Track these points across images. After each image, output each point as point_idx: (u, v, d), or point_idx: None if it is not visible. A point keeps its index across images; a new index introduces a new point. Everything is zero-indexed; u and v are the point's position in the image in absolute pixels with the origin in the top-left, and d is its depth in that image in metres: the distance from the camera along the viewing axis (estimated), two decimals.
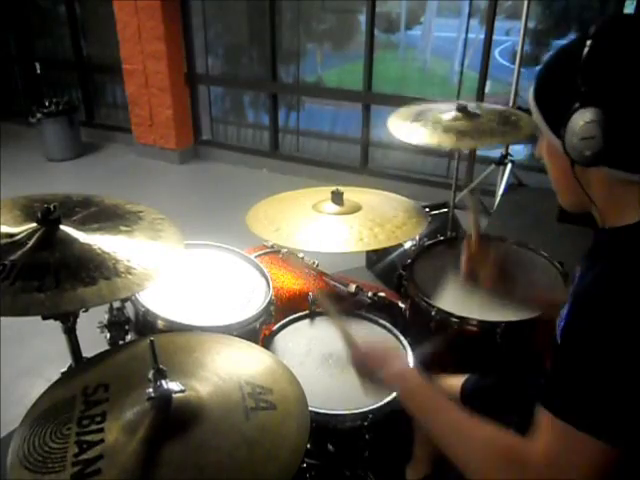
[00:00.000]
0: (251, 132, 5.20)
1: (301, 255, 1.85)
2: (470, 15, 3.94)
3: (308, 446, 1.17)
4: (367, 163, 4.44)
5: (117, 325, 1.34)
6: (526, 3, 3.18)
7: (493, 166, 3.66)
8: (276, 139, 4.79)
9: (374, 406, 1.18)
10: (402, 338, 1.40)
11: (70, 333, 1.19)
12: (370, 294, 1.66)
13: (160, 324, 1.28)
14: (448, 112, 1.91)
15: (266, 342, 1.39)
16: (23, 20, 5.61)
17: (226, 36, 5.05)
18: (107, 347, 1.26)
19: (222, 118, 5.29)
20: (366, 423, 1.17)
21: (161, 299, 1.34)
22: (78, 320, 1.19)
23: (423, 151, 4.29)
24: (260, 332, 1.38)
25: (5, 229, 1.14)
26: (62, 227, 1.12)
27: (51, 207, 1.11)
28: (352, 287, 1.65)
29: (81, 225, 1.17)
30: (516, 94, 3.41)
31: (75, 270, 1.03)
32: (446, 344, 1.37)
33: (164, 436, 0.79)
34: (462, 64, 4.05)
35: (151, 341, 0.81)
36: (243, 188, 4.37)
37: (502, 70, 4.54)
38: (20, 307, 0.95)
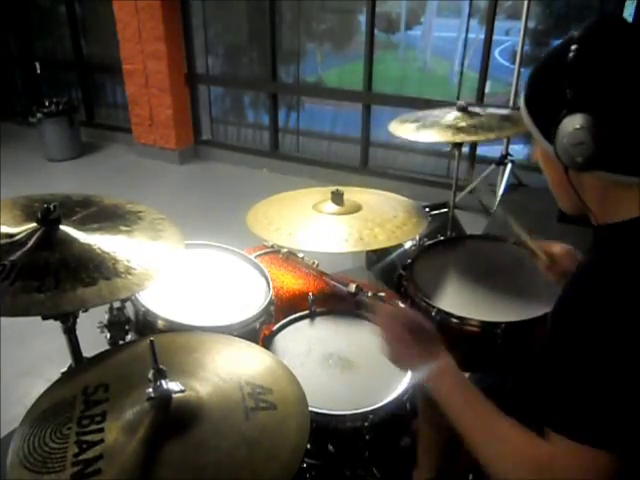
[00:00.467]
0: (251, 132, 5.20)
1: (301, 255, 1.85)
2: (470, 15, 3.94)
3: (308, 446, 1.17)
4: (367, 163, 4.44)
5: (117, 325, 1.34)
6: (526, 3, 3.18)
7: (493, 166, 3.66)
8: (276, 139, 4.79)
9: (374, 406, 1.18)
10: None
11: (70, 333, 1.19)
12: (370, 294, 1.66)
13: (160, 324, 1.27)
14: (448, 114, 1.91)
15: (266, 342, 1.39)
16: (23, 20, 5.61)
17: (226, 36, 5.05)
18: (107, 347, 1.26)
19: (222, 118, 5.29)
20: (366, 423, 1.17)
21: (161, 299, 1.34)
22: (78, 320, 1.19)
23: (423, 151, 4.29)
24: (260, 332, 1.38)
25: (5, 229, 1.13)
26: (62, 227, 1.12)
27: (51, 207, 1.11)
28: (352, 287, 1.65)
29: (81, 225, 1.17)
30: (516, 94, 3.42)
31: (75, 270, 1.03)
32: (446, 344, 1.37)
33: (164, 436, 0.79)
34: (462, 64, 4.06)
35: (151, 341, 0.81)
36: (243, 188, 4.37)
37: (502, 70, 4.54)
38: (20, 307, 0.95)
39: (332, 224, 1.45)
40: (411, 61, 5.05)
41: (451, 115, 1.89)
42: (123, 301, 1.34)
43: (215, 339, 1.07)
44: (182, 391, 0.82)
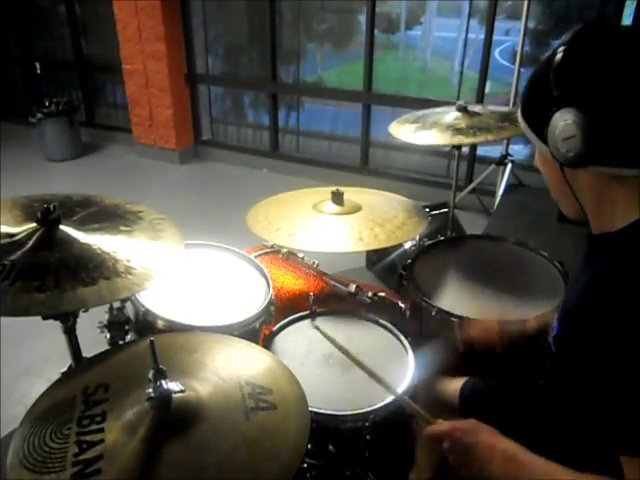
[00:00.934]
0: (251, 132, 5.20)
1: (301, 255, 1.85)
2: (470, 15, 3.94)
3: (308, 446, 1.17)
4: (367, 163, 4.44)
5: (117, 325, 1.34)
6: (526, 3, 3.18)
7: (493, 166, 3.66)
8: (276, 139, 4.79)
9: (375, 406, 1.18)
10: (402, 338, 1.40)
11: (70, 333, 1.19)
12: (370, 294, 1.66)
13: (160, 324, 1.27)
14: (448, 114, 1.91)
15: (266, 342, 1.39)
16: (23, 20, 5.61)
17: (226, 36, 5.05)
18: (107, 347, 1.26)
19: (222, 118, 5.29)
20: (367, 423, 1.17)
21: (161, 299, 1.34)
22: (78, 320, 1.19)
23: (423, 151, 4.29)
24: (260, 332, 1.38)
25: (5, 229, 1.13)
26: (62, 227, 1.12)
27: (51, 207, 1.11)
28: (352, 287, 1.65)
29: (81, 225, 1.17)
30: (516, 94, 3.42)
31: (75, 270, 1.03)
32: (446, 344, 1.37)
33: (164, 436, 0.79)
34: (462, 64, 4.06)
35: (151, 341, 0.81)
36: (243, 188, 4.37)
37: (502, 70, 4.54)
38: (20, 307, 0.95)
39: (332, 224, 1.45)
40: (411, 61, 5.05)
41: (451, 115, 1.89)
42: (123, 301, 1.34)
43: (215, 339, 1.07)
44: (182, 391, 0.82)
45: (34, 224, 1.11)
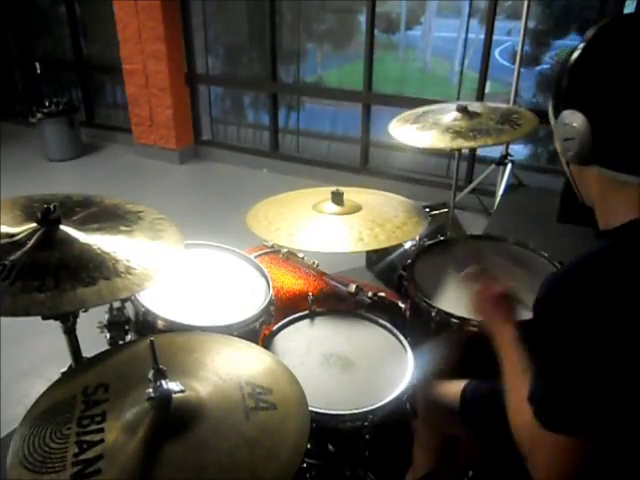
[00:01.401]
0: (251, 132, 5.20)
1: (301, 255, 1.85)
2: (470, 15, 3.94)
3: (308, 446, 1.17)
4: (367, 163, 4.44)
5: (117, 325, 1.34)
6: (526, 3, 3.18)
7: (493, 166, 3.66)
8: (276, 139, 4.79)
9: (374, 406, 1.18)
10: (402, 338, 1.40)
11: (70, 333, 1.19)
12: (370, 294, 1.66)
13: (160, 324, 1.27)
14: (448, 113, 1.91)
15: (266, 342, 1.39)
16: (23, 20, 5.61)
17: (226, 36, 5.05)
18: (107, 347, 1.26)
19: (222, 118, 5.29)
20: (366, 423, 1.17)
21: (161, 299, 1.34)
22: (78, 320, 1.19)
23: (423, 151, 4.29)
24: (260, 332, 1.38)
25: (5, 229, 1.13)
26: (62, 227, 1.12)
27: (51, 207, 1.11)
28: (352, 287, 1.65)
29: (81, 225, 1.17)
30: (516, 94, 3.42)
31: (75, 270, 1.03)
32: (446, 345, 1.37)
33: (164, 436, 0.79)
34: (462, 64, 4.06)
35: (151, 341, 0.81)
36: (243, 188, 4.37)
37: (502, 70, 4.54)
38: (20, 307, 0.95)
39: (332, 224, 1.45)
40: (411, 61, 5.05)
41: (451, 115, 1.89)
42: (123, 301, 1.34)
43: (215, 339, 1.07)
44: (182, 391, 0.82)
45: (34, 224, 1.11)
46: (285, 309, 1.52)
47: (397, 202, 1.64)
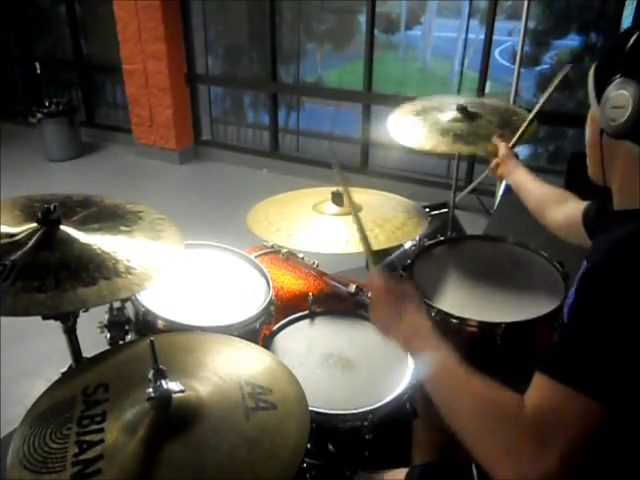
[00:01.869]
0: (251, 132, 5.21)
1: (301, 255, 1.85)
2: (470, 15, 3.94)
3: (308, 446, 1.17)
4: (367, 163, 4.44)
5: (117, 325, 1.34)
6: (526, 3, 3.18)
7: None
8: (276, 139, 4.79)
9: (374, 406, 1.18)
10: None
11: (70, 333, 1.19)
12: (370, 294, 1.66)
13: (160, 324, 1.28)
14: (448, 112, 1.91)
15: (266, 342, 1.39)
16: (23, 20, 5.61)
17: (226, 36, 5.05)
18: (107, 347, 1.26)
19: (222, 118, 5.29)
20: (366, 423, 1.17)
21: (161, 299, 1.34)
22: (78, 320, 1.19)
23: (423, 151, 4.29)
24: (260, 332, 1.38)
25: (5, 229, 1.14)
26: (62, 227, 1.12)
27: (51, 207, 1.11)
28: (352, 287, 1.65)
29: (81, 225, 1.17)
30: (516, 94, 3.41)
31: (75, 270, 1.04)
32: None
33: (164, 436, 0.79)
34: (462, 64, 4.06)
35: (151, 341, 0.81)
36: (243, 188, 4.37)
37: (502, 70, 4.54)
38: (20, 307, 0.95)
39: (332, 225, 1.45)
40: (411, 61, 5.06)
41: (450, 115, 1.89)
42: (123, 301, 1.34)
43: (215, 339, 1.07)
44: (182, 391, 0.82)
45: (34, 224, 1.11)
46: (285, 309, 1.52)
47: (397, 202, 1.64)
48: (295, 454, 0.81)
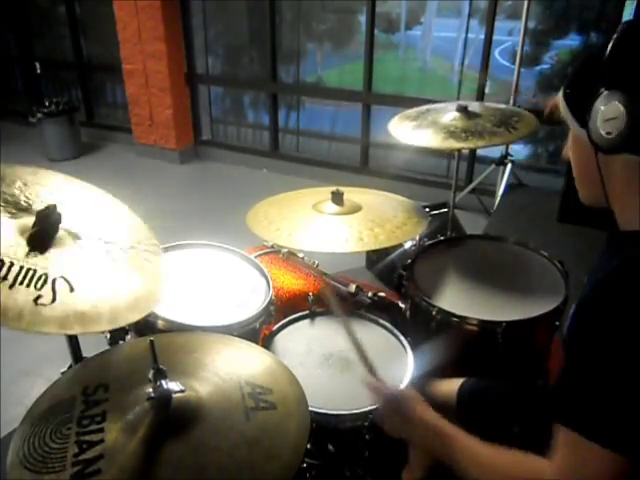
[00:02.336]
0: (251, 132, 5.21)
1: (301, 255, 1.85)
2: (470, 15, 3.94)
3: (308, 446, 1.17)
4: (367, 163, 4.44)
5: None
6: (526, 3, 3.18)
7: (493, 166, 3.66)
8: (276, 139, 4.79)
9: (374, 406, 1.18)
10: (402, 338, 1.40)
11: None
12: (370, 294, 1.66)
13: (160, 324, 1.27)
14: (449, 113, 1.91)
15: (266, 342, 1.39)
16: (23, 20, 5.61)
17: (226, 36, 5.05)
18: (107, 347, 1.26)
19: (222, 118, 5.29)
20: (366, 423, 1.17)
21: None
22: None
23: (423, 151, 4.29)
24: (260, 332, 1.38)
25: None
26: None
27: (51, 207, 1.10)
28: (352, 287, 1.65)
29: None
30: (516, 94, 3.42)
31: None
32: (447, 344, 1.37)
33: (164, 436, 0.79)
34: (462, 64, 4.06)
35: (151, 341, 0.81)
36: (243, 188, 4.37)
37: (502, 70, 4.54)
38: None
39: (332, 224, 1.45)
40: (411, 61, 5.06)
41: (450, 115, 1.89)
42: None
43: (215, 339, 1.07)
44: (182, 391, 0.82)
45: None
46: (285, 309, 1.52)
47: (397, 202, 1.64)
48: (295, 454, 0.81)
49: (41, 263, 0.92)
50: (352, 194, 1.56)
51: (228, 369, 0.95)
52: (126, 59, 4.72)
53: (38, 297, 0.86)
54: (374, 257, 2.86)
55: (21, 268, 0.89)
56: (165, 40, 4.45)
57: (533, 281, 1.51)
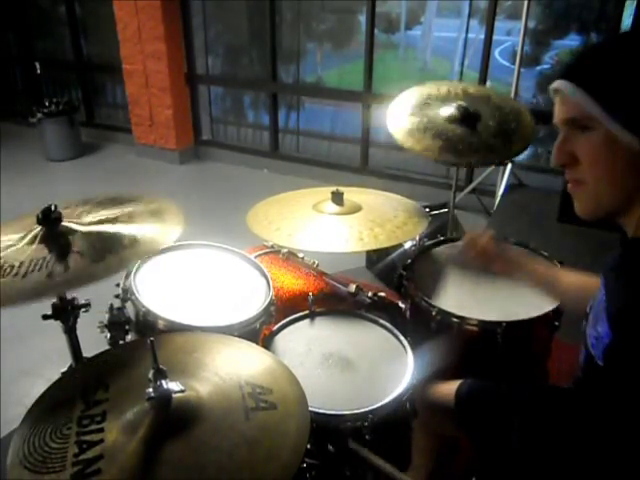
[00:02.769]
0: (251, 132, 5.20)
1: (301, 255, 1.85)
2: (470, 15, 3.94)
3: (308, 446, 1.17)
4: (367, 163, 4.44)
5: (117, 325, 1.34)
6: (526, 3, 3.18)
7: (493, 166, 3.66)
8: (276, 139, 4.79)
9: (374, 406, 1.18)
10: (402, 338, 1.40)
11: (70, 333, 1.20)
12: (370, 294, 1.66)
13: (160, 324, 1.27)
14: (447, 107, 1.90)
15: (266, 342, 1.39)
16: (23, 20, 5.61)
17: (226, 36, 5.05)
18: (107, 347, 1.26)
19: (222, 118, 5.29)
20: (366, 423, 1.17)
21: (161, 299, 1.34)
22: (78, 320, 1.19)
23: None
24: (260, 332, 1.38)
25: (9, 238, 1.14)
26: (64, 223, 1.13)
27: (52, 207, 1.11)
28: (352, 287, 1.65)
29: (81, 219, 1.18)
30: (516, 94, 3.41)
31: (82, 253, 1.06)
32: (446, 344, 1.37)
33: (164, 436, 0.79)
34: (462, 64, 4.06)
35: (151, 341, 0.81)
36: (243, 188, 4.37)
37: (502, 70, 4.54)
38: (32, 292, 0.97)
39: (332, 224, 1.45)
40: (411, 61, 5.06)
41: (449, 111, 1.89)
42: (124, 300, 1.34)
43: (215, 339, 1.07)
44: (182, 391, 0.82)
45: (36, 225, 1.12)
46: (285, 309, 1.52)
47: (397, 202, 1.64)
48: (295, 454, 0.81)
49: None
50: (352, 194, 1.57)
51: (228, 369, 0.95)
52: (126, 59, 4.72)
53: None
54: (374, 257, 2.87)
55: None
56: (165, 40, 4.45)
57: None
